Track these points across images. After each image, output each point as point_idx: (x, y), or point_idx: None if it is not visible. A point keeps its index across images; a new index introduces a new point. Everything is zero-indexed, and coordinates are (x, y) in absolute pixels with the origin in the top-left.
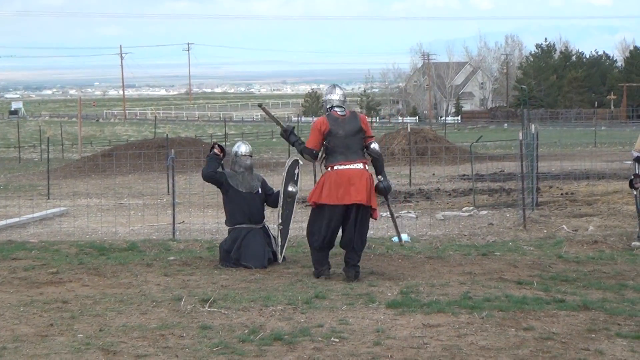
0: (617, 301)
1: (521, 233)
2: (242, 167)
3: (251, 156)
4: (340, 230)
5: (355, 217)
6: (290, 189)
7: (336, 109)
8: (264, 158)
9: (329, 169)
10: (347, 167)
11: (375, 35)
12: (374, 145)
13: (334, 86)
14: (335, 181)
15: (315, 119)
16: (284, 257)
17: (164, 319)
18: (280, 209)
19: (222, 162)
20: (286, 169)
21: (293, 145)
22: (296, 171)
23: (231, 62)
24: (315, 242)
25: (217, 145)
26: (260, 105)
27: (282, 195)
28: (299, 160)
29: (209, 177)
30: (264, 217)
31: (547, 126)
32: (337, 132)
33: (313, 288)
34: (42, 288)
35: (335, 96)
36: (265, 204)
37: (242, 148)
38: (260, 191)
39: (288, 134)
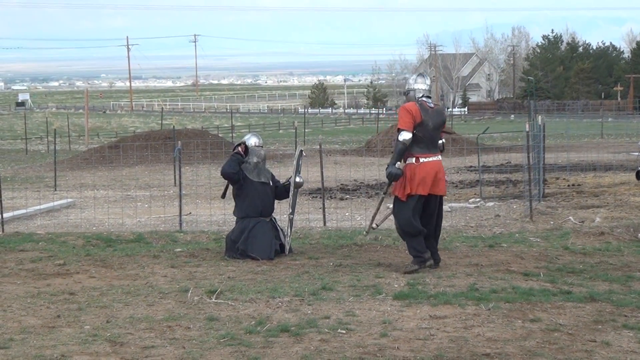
0: (624, 293)
1: (528, 224)
2: (257, 158)
3: (262, 147)
4: None
5: (435, 208)
6: (298, 179)
7: (425, 99)
8: (270, 150)
9: (414, 159)
10: (431, 159)
11: (381, 27)
12: (442, 141)
13: (423, 75)
14: (424, 173)
15: (321, 110)
16: (290, 248)
17: (171, 310)
18: (291, 198)
19: (242, 162)
20: (295, 159)
21: (396, 158)
22: (300, 162)
23: (238, 54)
24: (413, 229)
25: (243, 145)
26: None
27: (292, 186)
28: (303, 152)
29: (229, 177)
30: (273, 210)
31: (554, 117)
32: (428, 123)
33: (320, 280)
34: (49, 280)
35: (425, 85)
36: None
37: (254, 140)
38: (271, 183)
39: (388, 167)
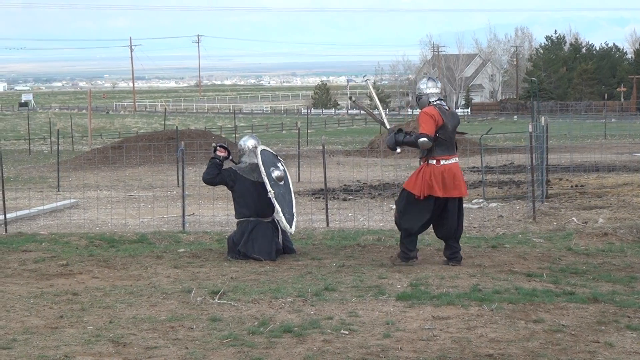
0: (627, 293)
1: (531, 225)
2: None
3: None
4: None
5: (455, 209)
6: (275, 173)
7: (440, 102)
8: (273, 150)
9: (435, 161)
10: (451, 161)
11: (384, 27)
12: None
13: (433, 79)
14: (443, 175)
15: (324, 111)
16: (292, 247)
17: (174, 311)
18: (277, 199)
19: (223, 163)
20: (259, 160)
21: (403, 142)
22: (270, 158)
23: (241, 54)
24: (411, 228)
25: (219, 147)
26: (352, 100)
27: (269, 186)
28: (267, 148)
29: (210, 183)
30: (273, 210)
31: (557, 118)
32: (448, 125)
33: (323, 280)
34: (52, 280)
35: (437, 89)
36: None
37: (252, 142)
38: None
39: (394, 135)
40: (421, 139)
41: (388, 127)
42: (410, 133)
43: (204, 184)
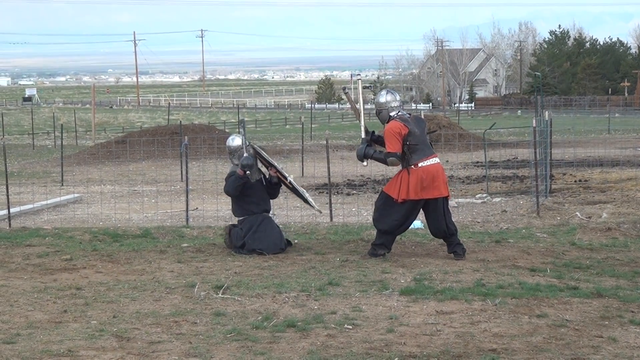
0: (631, 288)
1: (534, 220)
2: (253, 159)
3: (249, 144)
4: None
5: (440, 208)
6: (291, 177)
7: (402, 112)
8: (277, 145)
9: (413, 166)
10: (429, 162)
11: (388, 22)
12: None
13: (392, 92)
14: (421, 178)
15: (328, 105)
16: (291, 241)
17: (178, 305)
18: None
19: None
20: (263, 154)
21: (372, 158)
22: (266, 156)
23: (244, 49)
24: (386, 227)
25: (247, 172)
26: (345, 91)
27: (284, 172)
28: (253, 146)
29: (232, 196)
30: (271, 207)
31: (561, 113)
32: (415, 131)
33: (326, 275)
34: (56, 274)
35: (396, 102)
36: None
37: (239, 140)
38: (264, 181)
39: (365, 147)
40: (390, 158)
41: (364, 136)
42: (381, 151)
43: (208, 179)
